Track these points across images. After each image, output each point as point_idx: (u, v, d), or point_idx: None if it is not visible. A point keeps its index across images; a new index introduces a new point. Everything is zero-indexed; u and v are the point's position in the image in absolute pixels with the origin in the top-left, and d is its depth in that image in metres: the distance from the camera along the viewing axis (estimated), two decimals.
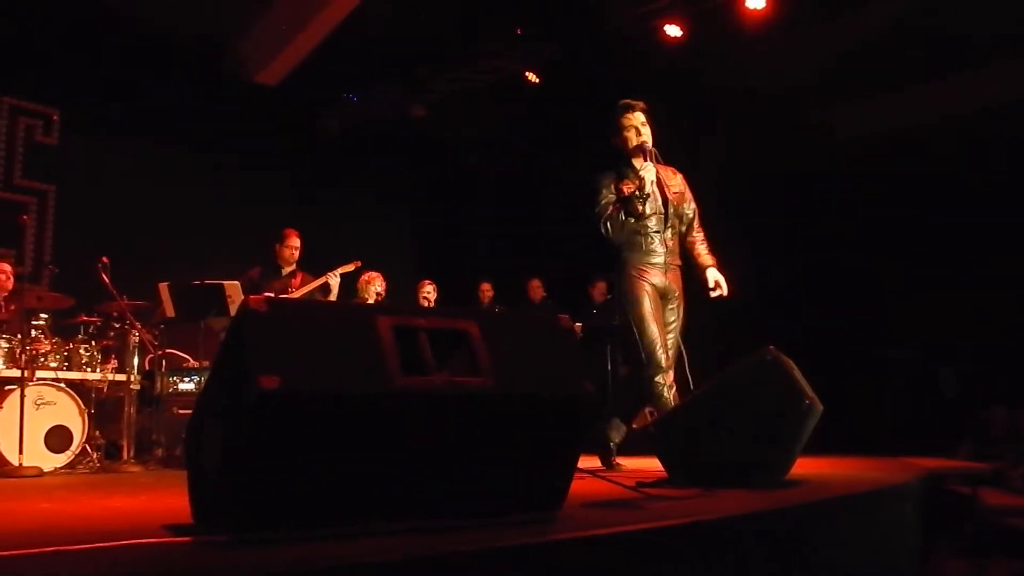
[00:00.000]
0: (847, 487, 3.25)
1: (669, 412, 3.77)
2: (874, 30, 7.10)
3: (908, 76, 7.56)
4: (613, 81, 8.02)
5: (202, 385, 5.97)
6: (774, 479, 3.23)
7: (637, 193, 4.36)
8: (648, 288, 4.35)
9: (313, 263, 6.80)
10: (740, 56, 7.55)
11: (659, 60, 7.75)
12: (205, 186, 8.49)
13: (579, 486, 2.44)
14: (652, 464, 3.74)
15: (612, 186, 4.45)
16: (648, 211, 4.39)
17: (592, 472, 3.15)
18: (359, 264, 6.91)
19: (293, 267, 6.66)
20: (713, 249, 4.66)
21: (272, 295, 5.65)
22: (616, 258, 4.47)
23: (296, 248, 6.62)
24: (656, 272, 4.38)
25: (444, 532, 1.89)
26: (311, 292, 6.55)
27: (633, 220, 4.37)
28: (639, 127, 4.51)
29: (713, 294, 4.54)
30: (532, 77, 8.37)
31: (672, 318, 4.44)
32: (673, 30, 7.36)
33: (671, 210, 4.46)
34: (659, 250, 4.40)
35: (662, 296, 4.40)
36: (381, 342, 2.02)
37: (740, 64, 7.63)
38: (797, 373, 3.38)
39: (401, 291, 7.96)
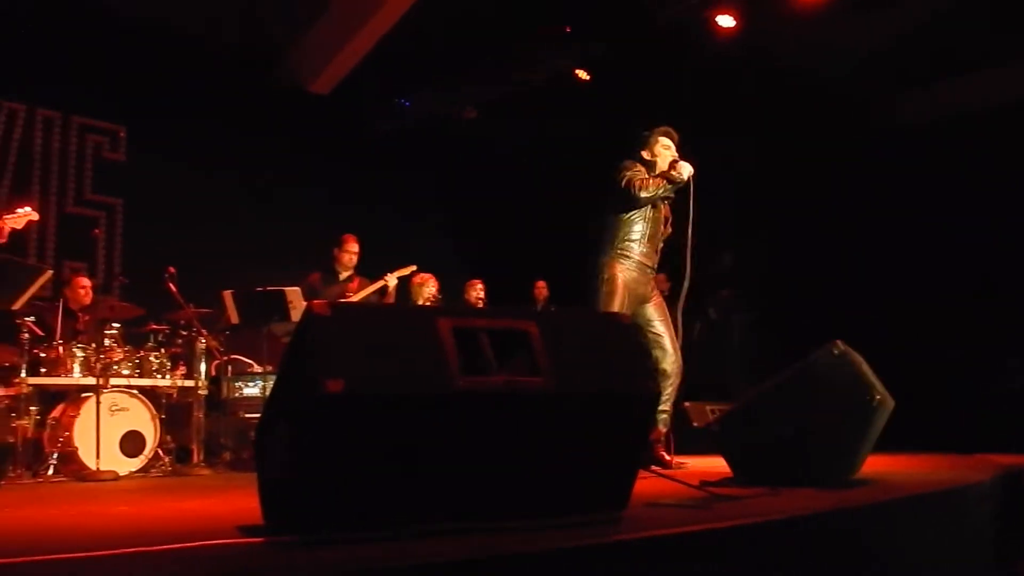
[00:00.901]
0: (920, 486, 3.18)
1: (734, 409, 3.73)
2: (933, 14, 6.92)
3: (969, 60, 7.35)
4: (664, 76, 7.98)
5: (266, 390, 6.09)
6: (843, 478, 3.16)
7: (675, 173, 4.60)
8: (624, 282, 4.57)
9: (367, 266, 6.89)
10: (794, 44, 7.43)
11: (711, 52, 7.66)
12: (264, 195, 8.65)
13: (642, 486, 2.43)
14: (716, 463, 3.71)
15: (638, 166, 4.72)
16: (651, 216, 4.68)
17: (655, 471, 3.13)
18: (415, 268, 6.98)
19: (351, 272, 6.75)
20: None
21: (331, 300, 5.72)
22: (602, 243, 4.69)
23: (354, 253, 6.71)
24: (634, 265, 4.62)
25: (508, 533, 1.90)
26: (369, 296, 6.64)
27: (663, 190, 4.60)
28: (675, 151, 4.79)
29: None
30: (582, 75, 8.34)
31: (657, 316, 4.67)
32: (726, 20, 7.27)
33: (664, 227, 4.78)
34: (646, 250, 4.67)
35: (639, 301, 4.64)
36: (442, 344, 2.04)
37: (795, 52, 7.50)
38: (866, 368, 3.31)
39: (454, 292, 8.02)
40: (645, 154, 4.81)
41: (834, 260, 7.84)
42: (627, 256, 4.63)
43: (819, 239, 7.97)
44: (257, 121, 8.72)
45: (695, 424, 5.78)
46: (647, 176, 4.64)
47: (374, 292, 6.68)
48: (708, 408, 5.92)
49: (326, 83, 9.10)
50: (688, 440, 5.19)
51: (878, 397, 3.22)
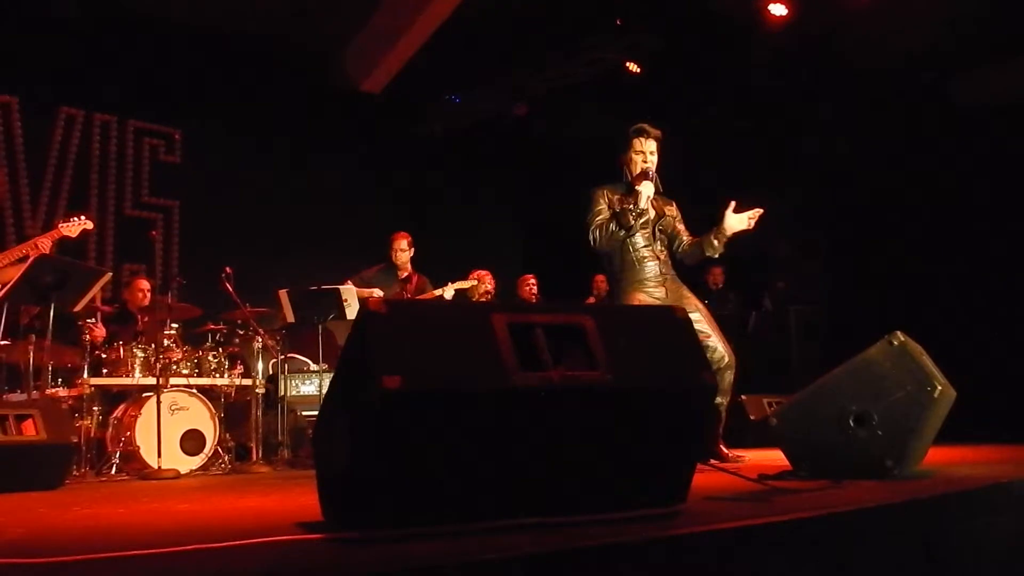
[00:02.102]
0: (984, 478, 3.09)
1: (792, 401, 3.67)
2: None
3: None
4: (717, 67, 7.88)
5: (322, 388, 6.16)
6: (904, 470, 3.10)
7: (631, 207, 4.42)
8: (642, 300, 4.41)
9: (424, 264, 6.93)
10: (850, 28, 7.28)
11: (764, 39, 7.55)
12: (318, 194, 8.76)
13: (699, 479, 2.39)
14: (773, 456, 3.66)
15: (607, 196, 4.55)
16: (638, 227, 4.48)
17: (714, 465, 3.10)
18: (476, 282, 6.97)
19: (409, 271, 6.76)
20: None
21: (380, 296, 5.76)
22: (611, 276, 4.60)
23: (401, 250, 6.71)
24: (653, 285, 4.46)
25: (568, 528, 1.89)
26: None
27: (623, 232, 4.43)
28: (648, 155, 4.56)
29: (748, 222, 4.47)
30: (633, 67, 8.29)
31: (702, 317, 4.41)
32: (778, 9, 7.18)
33: (659, 226, 4.56)
34: (651, 264, 4.50)
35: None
36: (497, 339, 2.04)
37: (851, 36, 7.36)
38: (927, 358, 3.24)
39: (511, 287, 8.03)
40: (623, 157, 4.61)
41: (892, 248, 7.67)
42: (638, 277, 4.47)
43: (877, 227, 7.81)
44: (310, 121, 8.85)
45: (752, 417, 5.71)
46: (605, 222, 4.45)
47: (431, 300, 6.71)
48: (765, 401, 5.85)
49: (377, 82, 9.18)
50: (745, 433, 5.14)
51: (939, 387, 3.14)
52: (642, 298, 4.43)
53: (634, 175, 4.56)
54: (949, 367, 3.38)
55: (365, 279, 6.52)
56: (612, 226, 4.44)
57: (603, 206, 4.52)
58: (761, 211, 4.48)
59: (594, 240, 4.47)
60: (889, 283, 7.54)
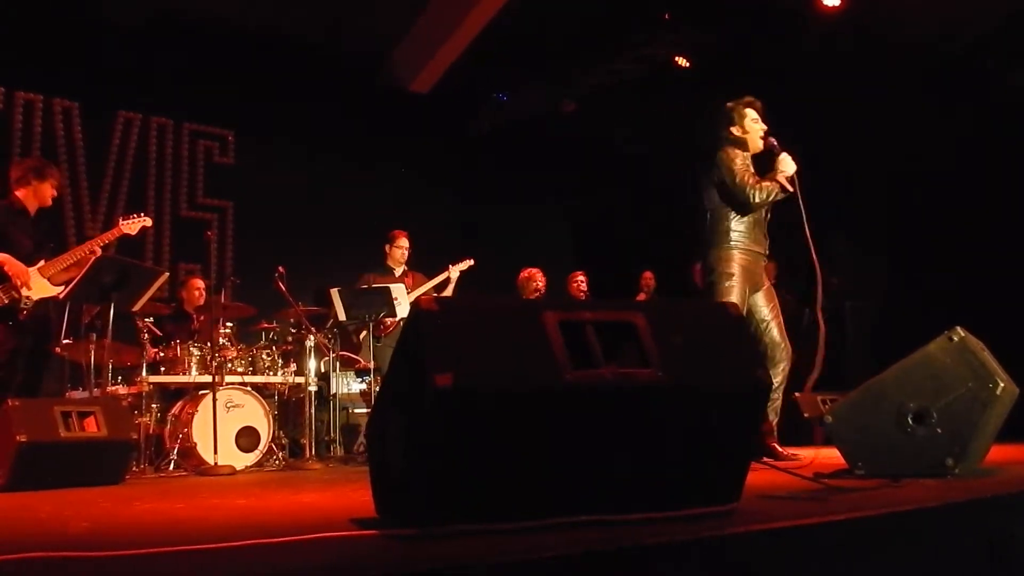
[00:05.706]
0: None
1: (848, 399, 3.61)
2: None
3: None
4: (767, 60, 7.77)
5: (373, 386, 6.22)
6: (966, 468, 3.03)
7: (790, 179, 4.41)
8: (742, 273, 4.43)
9: (477, 265, 6.96)
10: (906, 19, 7.13)
11: (817, 30, 7.44)
12: (368, 194, 8.82)
13: (754, 478, 2.37)
14: (828, 454, 3.60)
15: (745, 157, 4.51)
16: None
17: (768, 463, 3.06)
18: (473, 262, 6.99)
19: (403, 267, 6.86)
20: None
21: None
22: (715, 240, 4.52)
23: (406, 248, 6.84)
24: (751, 259, 4.49)
25: (620, 527, 1.89)
26: (430, 289, 6.73)
27: (781, 196, 4.43)
28: (761, 120, 4.60)
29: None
30: (682, 62, 8.22)
31: (766, 303, 4.52)
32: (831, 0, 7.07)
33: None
34: (758, 238, 4.54)
35: (752, 289, 4.48)
36: (549, 337, 2.04)
37: (907, 27, 7.20)
38: (988, 354, 3.17)
39: (559, 285, 8.02)
40: (735, 131, 4.58)
41: (951, 242, 7.49)
42: (740, 245, 4.47)
43: (935, 220, 7.63)
44: (360, 122, 8.92)
45: (806, 415, 5.62)
46: (760, 180, 4.42)
47: (433, 288, 6.77)
48: (819, 398, 5.74)
49: (425, 82, 9.23)
50: (800, 431, 5.07)
51: (1001, 384, 3.07)
52: (736, 261, 4.44)
53: (765, 142, 4.54)
54: (1011, 363, 3.30)
55: (370, 283, 6.58)
56: (773, 189, 4.39)
57: (746, 164, 4.49)
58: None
59: (753, 197, 4.38)
60: (948, 278, 7.36)
